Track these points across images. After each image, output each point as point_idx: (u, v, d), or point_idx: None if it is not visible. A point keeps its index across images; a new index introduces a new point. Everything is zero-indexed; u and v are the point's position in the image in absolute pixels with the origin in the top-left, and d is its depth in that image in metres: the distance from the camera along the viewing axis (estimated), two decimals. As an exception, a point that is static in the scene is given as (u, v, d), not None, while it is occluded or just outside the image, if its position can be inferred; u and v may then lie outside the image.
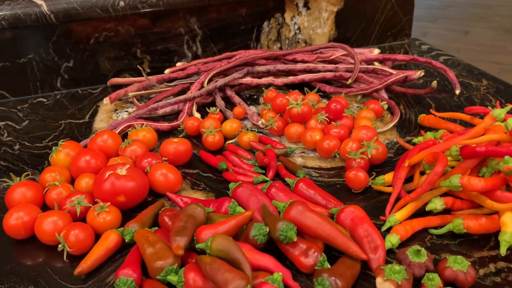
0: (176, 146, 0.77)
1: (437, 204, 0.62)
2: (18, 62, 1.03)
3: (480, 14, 4.37)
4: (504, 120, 0.67)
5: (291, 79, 0.99)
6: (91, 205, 0.65)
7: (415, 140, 0.79)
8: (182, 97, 0.92)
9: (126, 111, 0.98)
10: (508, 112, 0.81)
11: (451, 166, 0.67)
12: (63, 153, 0.75)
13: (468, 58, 3.38)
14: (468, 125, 0.80)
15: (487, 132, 0.65)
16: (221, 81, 0.96)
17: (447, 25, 4.14)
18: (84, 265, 0.57)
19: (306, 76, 0.99)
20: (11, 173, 0.71)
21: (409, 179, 0.69)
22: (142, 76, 1.08)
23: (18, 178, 0.70)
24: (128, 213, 0.67)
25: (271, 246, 0.58)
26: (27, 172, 0.73)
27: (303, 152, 0.81)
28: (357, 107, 0.95)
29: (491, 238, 0.60)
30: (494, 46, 3.64)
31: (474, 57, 3.43)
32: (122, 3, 0.99)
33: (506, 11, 4.39)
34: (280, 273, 0.51)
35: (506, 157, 0.58)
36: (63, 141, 0.77)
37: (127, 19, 1.04)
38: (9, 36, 0.99)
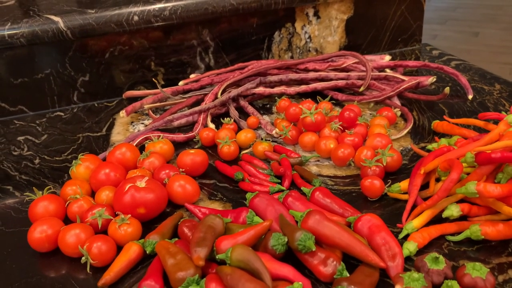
0: (193, 157, 0.78)
1: (454, 210, 0.62)
2: (36, 78, 1.05)
3: (489, 15, 4.34)
4: (518, 126, 0.67)
5: (303, 88, 1.00)
6: (112, 218, 0.66)
7: (430, 146, 0.80)
8: (196, 108, 0.94)
9: (142, 123, 0.99)
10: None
11: (467, 173, 0.68)
12: (83, 166, 0.77)
13: (478, 59, 3.37)
14: (482, 130, 0.81)
15: (502, 138, 0.65)
16: (234, 92, 0.98)
17: (457, 27, 4.12)
18: (108, 277, 0.58)
19: (318, 85, 1.00)
20: (34, 188, 0.73)
21: (424, 186, 0.70)
22: (157, 88, 1.10)
23: (41, 192, 0.72)
24: (148, 225, 0.68)
25: (290, 255, 0.59)
26: (49, 186, 0.75)
27: (318, 161, 0.82)
28: (370, 114, 0.95)
29: (509, 244, 0.60)
30: (505, 46, 3.62)
31: (485, 59, 3.41)
32: (136, 18, 1.02)
33: (516, 12, 4.36)
34: (300, 283, 0.52)
35: (522, 163, 0.58)
36: (83, 155, 0.79)
37: (141, 32, 1.06)
38: (27, 52, 1.02)
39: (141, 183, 0.68)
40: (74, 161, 0.78)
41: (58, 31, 0.99)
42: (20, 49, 1.01)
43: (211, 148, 0.88)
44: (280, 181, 0.76)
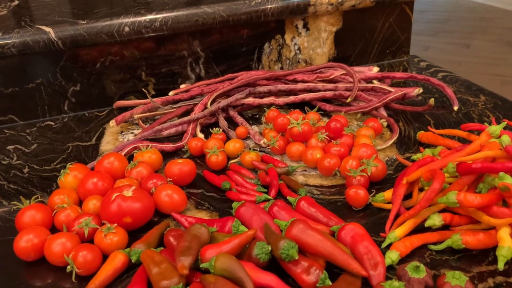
0: (181, 167, 0.79)
1: (436, 220, 0.63)
2: (27, 87, 1.06)
3: (480, 27, 4.41)
4: (499, 137, 0.69)
5: (292, 98, 1.02)
6: (98, 227, 0.66)
7: (414, 157, 0.81)
8: (186, 118, 0.95)
9: (132, 133, 1.00)
10: (504, 128, 0.83)
11: (449, 183, 0.69)
12: (71, 175, 0.77)
13: (469, 71, 3.41)
14: (465, 141, 0.82)
15: (483, 149, 0.67)
16: (224, 102, 0.99)
17: (448, 39, 4.17)
18: (92, 286, 0.59)
19: (307, 96, 1.01)
20: (21, 197, 0.73)
21: (408, 196, 0.71)
22: (147, 98, 1.10)
23: (28, 201, 0.72)
24: (134, 234, 0.69)
25: (274, 264, 0.60)
26: (36, 195, 0.75)
27: (305, 171, 0.83)
28: (357, 125, 0.97)
29: (489, 253, 0.61)
30: (495, 58, 3.67)
31: (476, 70, 3.45)
32: (127, 29, 1.03)
33: (506, 24, 4.43)
34: (283, 291, 0.52)
35: (501, 173, 0.60)
36: (71, 164, 0.79)
37: (132, 43, 1.08)
38: (18, 62, 1.03)
39: (128, 193, 0.69)
40: (62, 170, 0.79)
41: (49, 42, 1.00)
42: (11, 58, 1.02)
43: (200, 158, 0.89)
44: (266, 190, 0.77)
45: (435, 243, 0.63)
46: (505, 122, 0.71)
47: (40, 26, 1.01)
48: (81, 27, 1.01)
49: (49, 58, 1.05)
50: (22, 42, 0.99)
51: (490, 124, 0.78)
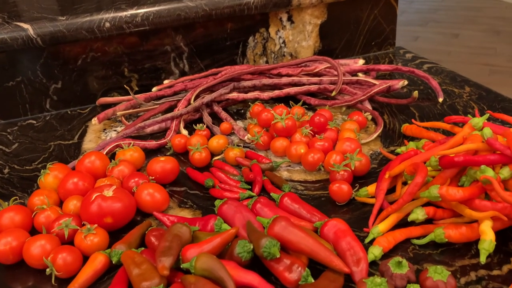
0: (163, 164, 0.78)
1: (419, 214, 0.63)
2: (7, 86, 1.04)
3: (469, 17, 4.41)
4: (482, 129, 0.68)
5: (276, 93, 1.01)
6: (78, 228, 0.65)
7: (399, 150, 0.80)
8: (169, 114, 0.93)
9: (115, 130, 0.99)
10: (488, 119, 0.83)
11: (432, 176, 0.68)
12: (51, 176, 0.76)
13: (458, 60, 3.42)
14: (449, 133, 0.82)
15: (465, 142, 0.66)
16: (207, 98, 0.98)
17: (438, 29, 4.17)
18: (72, 288, 0.58)
19: (291, 90, 1.00)
20: (-1, 199, 0.72)
21: (392, 190, 0.70)
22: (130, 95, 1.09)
23: (7, 203, 0.71)
24: (115, 234, 0.68)
25: (258, 262, 0.59)
26: (15, 197, 0.74)
27: (289, 166, 0.82)
28: (342, 118, 0.96)
29: (472, 246, 0.61)
30: (484, 48, 3.67)
31: (465, 60, 3.46)
32: (107, 24, 1.01)
33: (495, 13, 4.44)
34: (264, 290, 0.52)
35: (483, 166, 0.59)
36: (51, 164, 0.78)
37: (114, 39, 1.06)
38: (-3, 60, 1.01)
39: (108, 192, 0.68)
40: (42, 170, 0.77)
41: (28, 39, 0.98)
42: (-10, 57, 1.00)
43: (184, 155, 0.88)
44: (250, 187, 0.76)
45: (418, 238, 0.63)
46: (488, 114, 0.70)
47: (18, 23, 0.98)
48: (60, 23, 0.99)
49: (29, 56, 1.03)
50: (0, 39, 0.97)
51: (473, 116, 0.78)
